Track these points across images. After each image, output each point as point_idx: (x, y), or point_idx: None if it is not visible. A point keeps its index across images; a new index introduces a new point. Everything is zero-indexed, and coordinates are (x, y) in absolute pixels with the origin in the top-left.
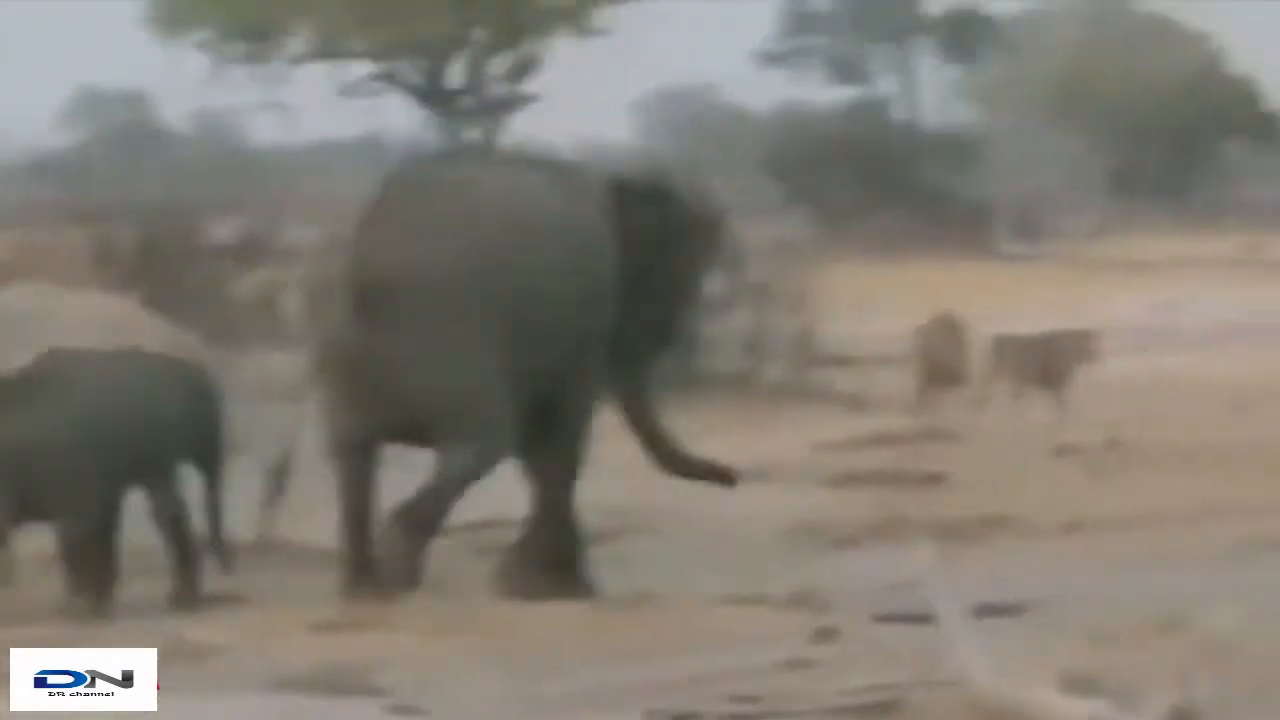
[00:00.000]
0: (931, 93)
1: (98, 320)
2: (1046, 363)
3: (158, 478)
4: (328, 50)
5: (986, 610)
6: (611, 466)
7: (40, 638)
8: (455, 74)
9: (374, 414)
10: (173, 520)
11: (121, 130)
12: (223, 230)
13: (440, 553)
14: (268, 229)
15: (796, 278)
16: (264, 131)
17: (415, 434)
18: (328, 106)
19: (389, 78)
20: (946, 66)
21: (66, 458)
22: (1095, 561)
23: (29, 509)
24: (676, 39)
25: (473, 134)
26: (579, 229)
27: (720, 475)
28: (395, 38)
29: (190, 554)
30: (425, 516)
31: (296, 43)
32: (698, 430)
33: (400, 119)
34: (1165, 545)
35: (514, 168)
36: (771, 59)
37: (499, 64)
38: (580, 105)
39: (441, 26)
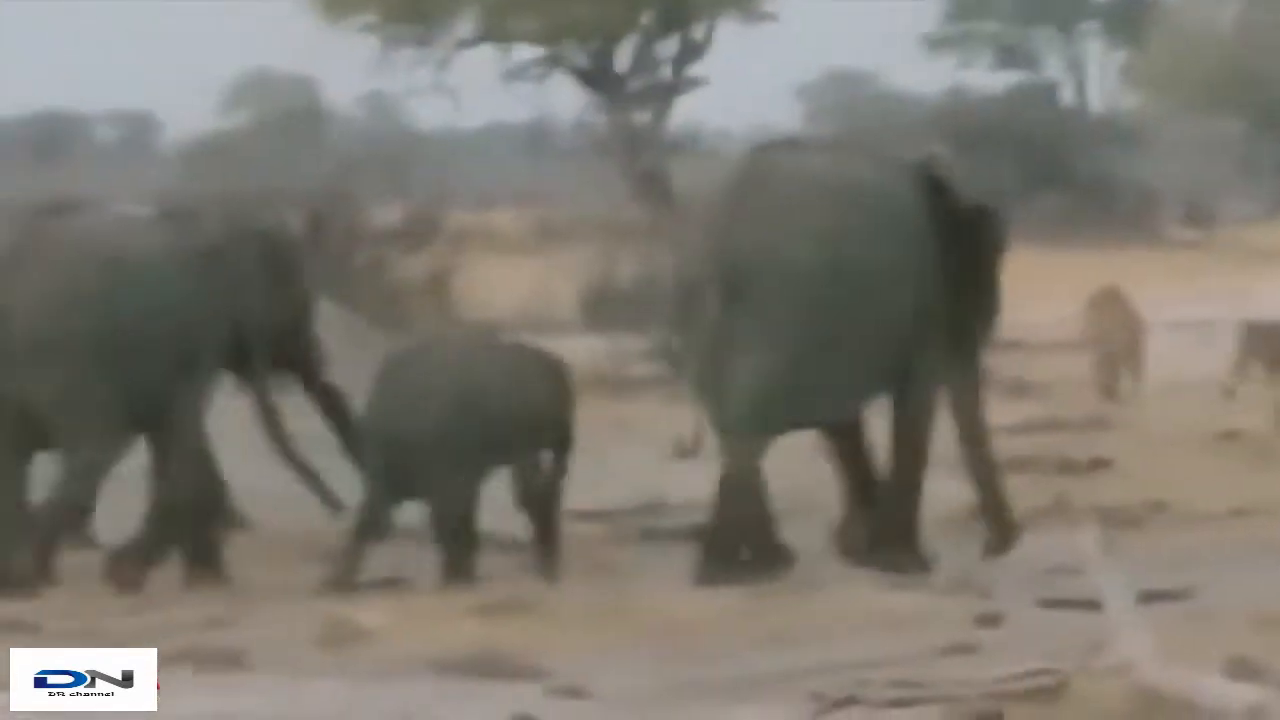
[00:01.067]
0: (1098, 78)
1: None
2: None
3: (523, 460)
4: (493, 33)
5: (1151, 596)
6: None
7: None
8: (622, 58)
9: None
10: (540, 500)
11: (287, 114)
12: (388, 214)
13: (601, 538)
14: (434, 213)
15: None
16: (430, 116)
17: None
18: (493, 90)
19: (555, 61)
20: (1113, 51)
21: (443, 440)
22: (1259, 547)
23: (402, 490)
24: (843, 23)
25: (640, 118)
26: (909, 214)
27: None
28: (561, 21)
29: (554, 533)
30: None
31: (462, 26)
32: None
33: (566, 103)
34: None
35: (844, 155)
36: (938, 44)
37: (666, 48)
38: (746, 89)
39: (608, 10)
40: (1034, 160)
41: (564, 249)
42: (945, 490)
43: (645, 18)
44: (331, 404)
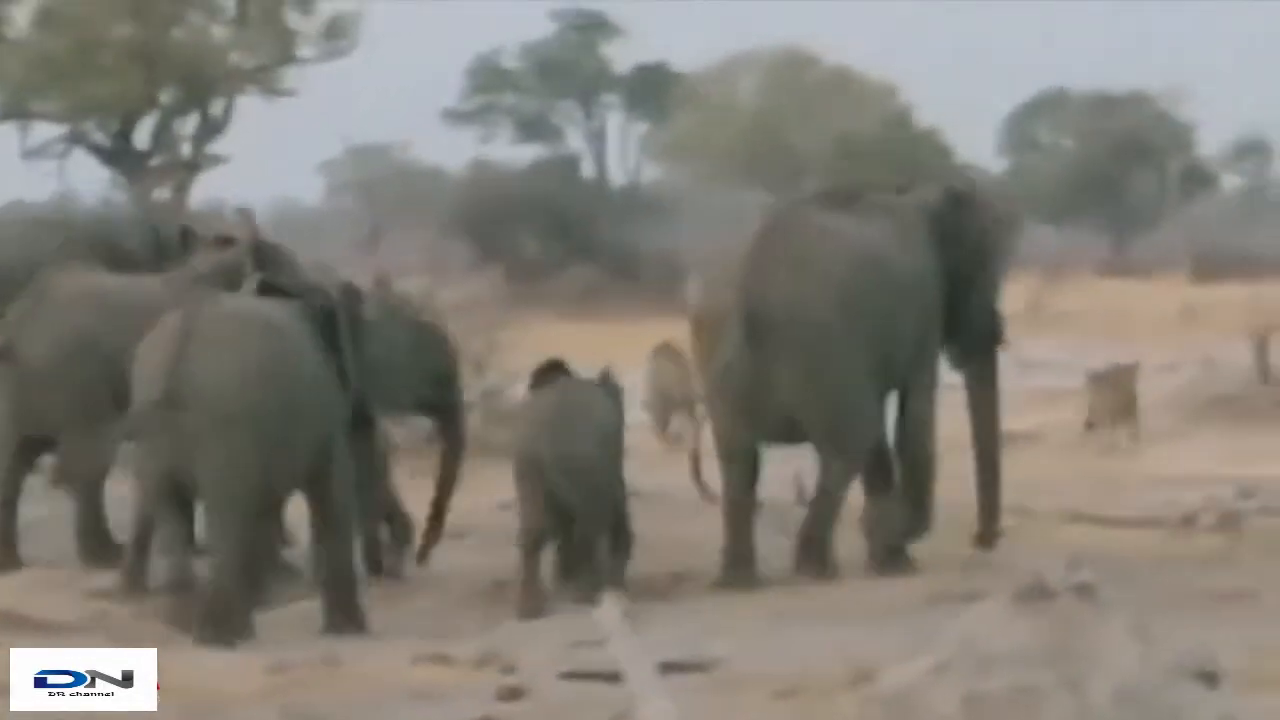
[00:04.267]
0: (620, 150)
1: None
2: None
3: None
4: (13, 112)
5: (674, 667)
6: (295, 524)
7: None
8: (142, 135)
9: (759, 425)
10: None
11: None
12: None
13: None
14: None
15: (486, 335)
16: None
17: (792, 437)
18: (14, 168)
19: (76, 139)
20: (635, 124)
21: (595, 468)
22: (781, 617)
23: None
24: (364, 98)
25: (162, 195)
26: (912, 262)
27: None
28: (82, 100)
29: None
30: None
31: None
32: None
33: (88, 179)
34: (850, 600)
35: (864, 209)
36: (460, 117)
37: (186, 124)
38: (270, 165)
39: (128, 87)
40: (558, 231)
41: None
42: (473, 562)
43: (165, 96)
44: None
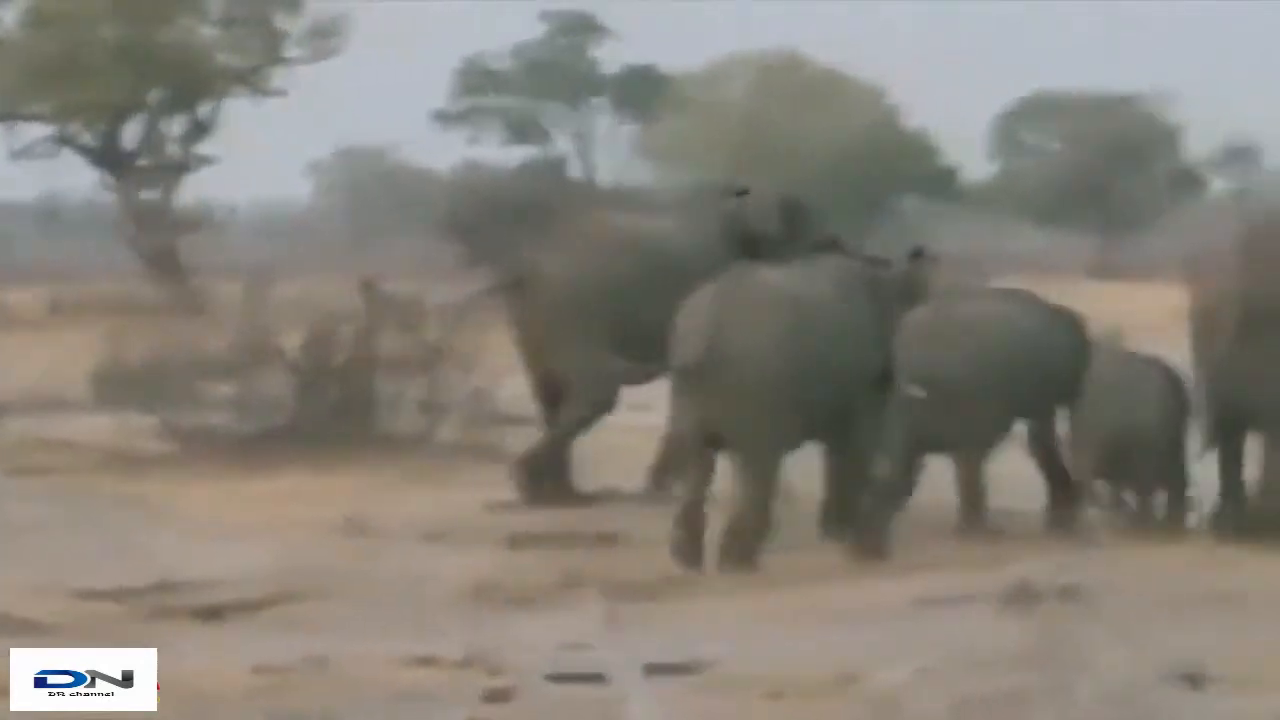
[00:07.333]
0: (610, 151)
1: None
2: None
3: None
4: (1, 112)
5: (660, 669)
6: (281, 526)
7: None
8: (130, 136)
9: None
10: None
11: None
12: None
13: (114, 617)
14: None
15: (473, 338)
16: None
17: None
18: (2, 168)
19: (63, 139)
20: (623, 125)
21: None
22: (770, 619)
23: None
24: (353, 99)
25: (150, 196)
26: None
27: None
28: (70, 102)
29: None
30: None
31: None
32: (371, 489)
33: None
34: (840, 603)
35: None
36: (449, 119)
37: (175, 125)
38: (256, 166)
39: (116, 88)
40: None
41: (75, 327)
42: (454, 563)
43: (152, 96)
44: None
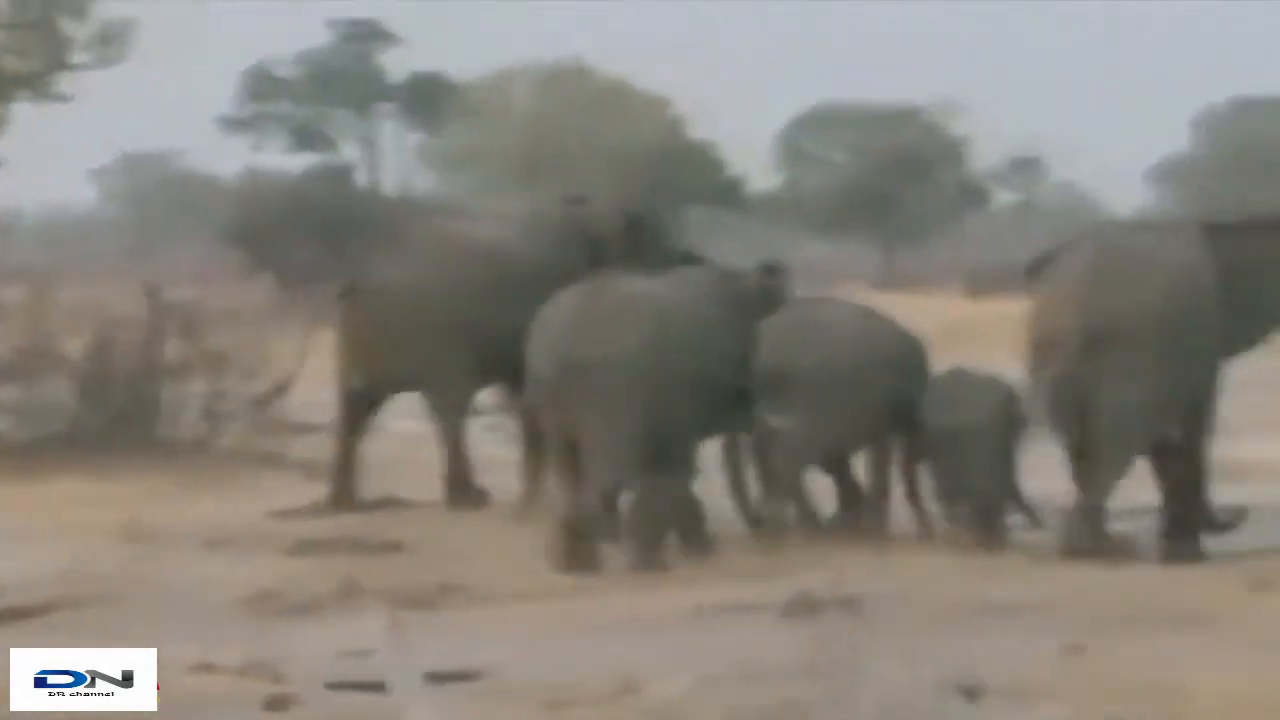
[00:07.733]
0: (396, 158)
1: None
2: None
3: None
4: None
5: (440, 677)
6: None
7: None
8: None
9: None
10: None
11: None
12: None
13: None
14: None
15: (255, 344)
16: None
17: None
18: None
19: None
20: (409, 133)
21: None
22: (553, 628)
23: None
24: (140, 105)
25: None
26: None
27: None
28: None
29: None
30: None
31: None
32: (152, 495)
33: None
34: (622, 612)
35: (1161, 231)
36: (234, 125)
37: None
38: (43, 170)
39: None
40: (331, 241)
41: None
42: (235, 570)
43: None
44: None
